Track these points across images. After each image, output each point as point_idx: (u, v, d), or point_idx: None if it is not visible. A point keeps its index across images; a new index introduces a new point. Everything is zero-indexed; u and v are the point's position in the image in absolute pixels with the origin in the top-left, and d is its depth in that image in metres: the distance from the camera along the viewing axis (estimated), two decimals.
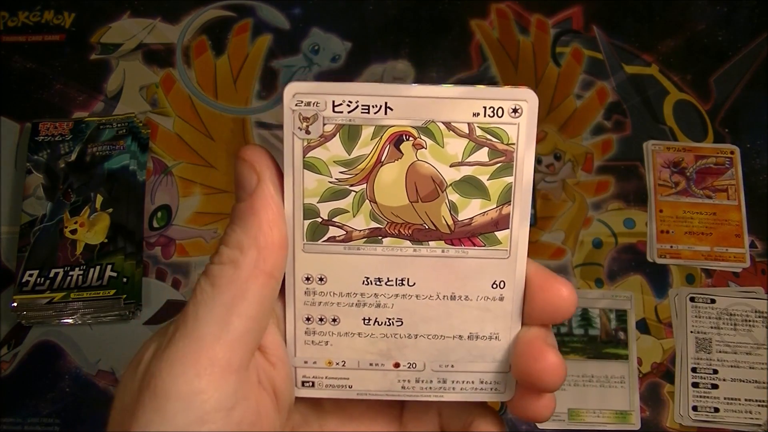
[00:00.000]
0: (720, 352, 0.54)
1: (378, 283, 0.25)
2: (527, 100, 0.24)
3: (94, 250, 0.53)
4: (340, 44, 0.61)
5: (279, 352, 0.25)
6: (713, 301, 0.55)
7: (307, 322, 0.26)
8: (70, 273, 0.53)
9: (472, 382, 0.26)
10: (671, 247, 0.56)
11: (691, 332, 0.54)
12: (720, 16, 0.62)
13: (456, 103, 0.23)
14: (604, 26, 0.62)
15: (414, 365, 0.26)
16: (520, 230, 0.25)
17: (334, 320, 0.26)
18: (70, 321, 0.53)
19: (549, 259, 0.56)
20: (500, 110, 0.24)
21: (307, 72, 0.61)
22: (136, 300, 0.53)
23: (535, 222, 0.57)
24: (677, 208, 0.57)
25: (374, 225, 0.25)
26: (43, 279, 0.52)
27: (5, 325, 0.54)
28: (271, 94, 0.60)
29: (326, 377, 0.26)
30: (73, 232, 0.54)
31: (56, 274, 0.52)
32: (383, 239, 0.25)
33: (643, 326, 0.55)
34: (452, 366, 0.26)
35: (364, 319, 0.26)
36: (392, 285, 0.25)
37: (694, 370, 0.53)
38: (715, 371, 0.53)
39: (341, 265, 0.25)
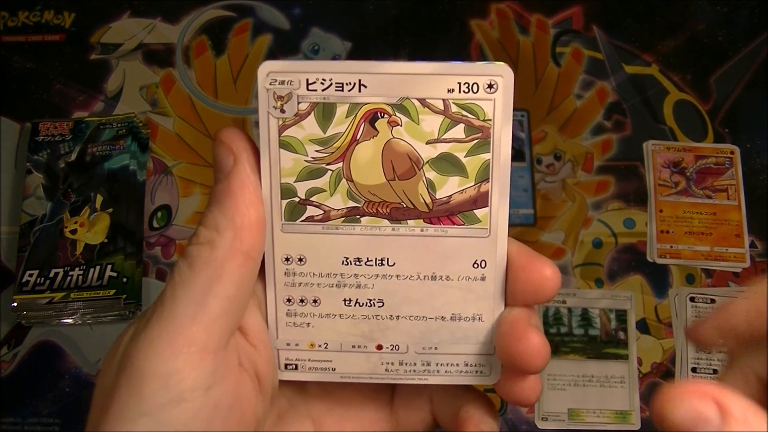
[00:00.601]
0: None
1: (357, 263, 0.25)
2: (502, 75, 0.23)
3: (94, 250, 0.53)
4: (340, 44, 0.61)
5: (261, 335, 0.25)
6: (713, 301, 0.55)
7: (287, 303, 0.25)
8: (70, 273, 0.53)
9: (457, 365, 0.26)
10: (671, 247, 0.56)
11: None
12: (720, 16, 0.62)
13: (430, 79, 0.23)
14: (604, 26, 0.62)
15: (397, 347, 0.26)
16: (499, 208, 0.24)
17: (314, 301, 0.25)
18: (70, 321, 0.53)
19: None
20: (475, 86, 0.23)
21: None
22: (136, 300, 0.53)
23: (535, 222, 0.57)
24: (677, 208, 0.57)
25: (352, 204, 0.24)
26: (43, 279, 0.52)
27: (5, 325, 0.54)
28: None
29: (309, 360, 0.26)
30: (73, 232, 0.54)
31: (56, 274, 0.52)
32: (361, 218, 0.24)
33: (643, 326, 0.55)
34: (436, 348, 0.26)
35: (344, 300, 0.25)
36: (372, 265, 0.25)
37: (694, 370, 0.53)
38: (715, 371, 0.53)
39: (320, 245, 0.25)
